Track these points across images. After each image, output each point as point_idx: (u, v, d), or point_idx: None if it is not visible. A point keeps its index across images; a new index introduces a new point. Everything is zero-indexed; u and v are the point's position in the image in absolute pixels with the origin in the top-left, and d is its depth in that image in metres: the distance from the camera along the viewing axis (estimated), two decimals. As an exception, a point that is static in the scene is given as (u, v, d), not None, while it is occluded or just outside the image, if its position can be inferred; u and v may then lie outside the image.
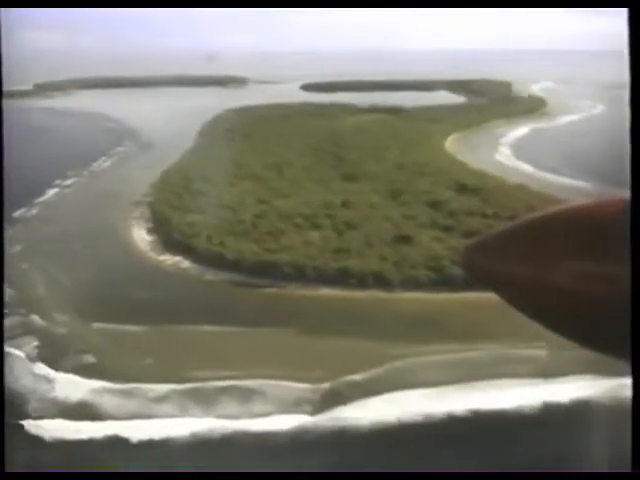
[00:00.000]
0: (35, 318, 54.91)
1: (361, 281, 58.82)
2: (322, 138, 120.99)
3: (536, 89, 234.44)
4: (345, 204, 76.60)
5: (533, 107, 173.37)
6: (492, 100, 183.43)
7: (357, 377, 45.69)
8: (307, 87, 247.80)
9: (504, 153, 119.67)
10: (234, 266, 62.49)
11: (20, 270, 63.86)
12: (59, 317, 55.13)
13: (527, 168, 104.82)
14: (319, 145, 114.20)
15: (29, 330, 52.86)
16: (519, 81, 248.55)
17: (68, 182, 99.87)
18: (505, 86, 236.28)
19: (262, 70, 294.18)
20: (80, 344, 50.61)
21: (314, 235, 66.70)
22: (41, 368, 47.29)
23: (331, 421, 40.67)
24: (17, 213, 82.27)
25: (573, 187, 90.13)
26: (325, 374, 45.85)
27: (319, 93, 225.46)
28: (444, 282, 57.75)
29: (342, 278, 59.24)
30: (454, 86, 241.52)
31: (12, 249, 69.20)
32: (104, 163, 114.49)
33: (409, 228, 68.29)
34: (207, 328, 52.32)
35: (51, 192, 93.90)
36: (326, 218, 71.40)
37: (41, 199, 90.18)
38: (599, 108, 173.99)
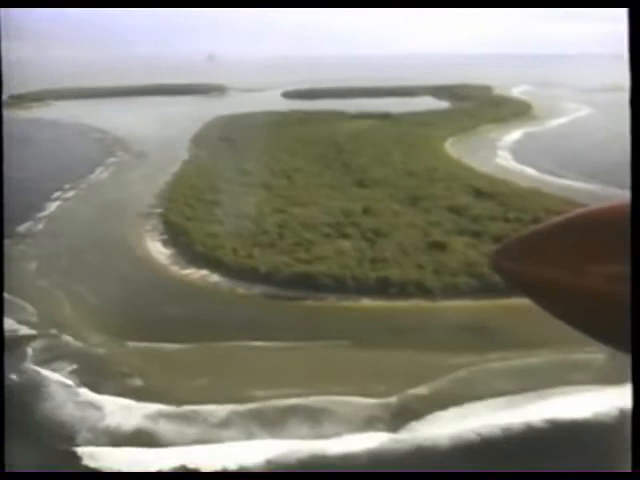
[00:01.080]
0: (68, 339, 51.88)
1: (402, 290, 57.29)
2: (322, 145, 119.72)
3: (516, 92, 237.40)
4: (366, 211, 75.13)
5: (520, 111, 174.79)
6: (479, 105, 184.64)
7: (423, 390, 44.07)
8: (288, 94, 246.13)
9: (504, 157, 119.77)
10: (266, 279, 60.33)
11: (40, 288, 60.92)
12: (93, 337, 52.16)
13: (531, 171, 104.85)
14: (321, 152, 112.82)
15: (64, 352, 49.85)
16: (499, 85, 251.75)
17: (69, 195, 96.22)
18: (486, 90, 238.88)
19: (241, 77, 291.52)
20: (122, 365, 47.84)
21: (345, 244, 64.95)
22: (85, 394, 44.38)
23: (409, 438, 38.90)
24: (22, 227, 78.99)
25: (581, 190, 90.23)
26: (389, 388, 44.09)
27: (301, 100, 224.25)
28: (485, 289, 56.54)
29: (382, 288, 57.63)
30: (436, 91, 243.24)
31: (28, 266, 66.07)
32: (101, 174, 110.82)
33: (438, 234, 67.11)
34: (255, 344, 50.11)
35: (53, 206, 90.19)
36: (352, 226, 69.78)
37: (44, 213, 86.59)
38: (584, 111, 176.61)
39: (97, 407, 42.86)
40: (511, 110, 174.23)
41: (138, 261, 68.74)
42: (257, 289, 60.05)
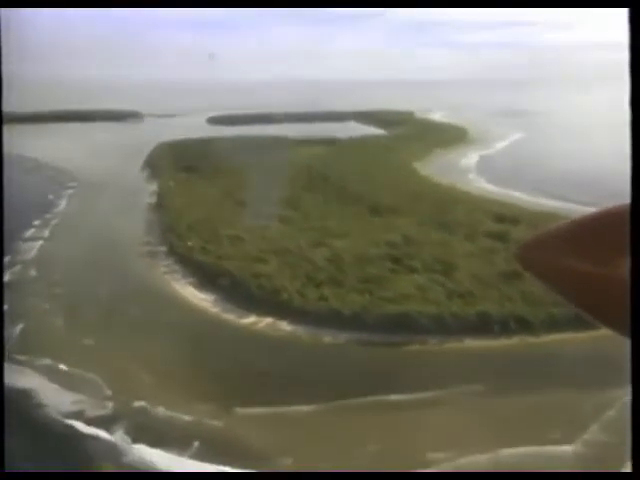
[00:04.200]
0: (164, 412, 43.00)
1: (504, 327, 53.93)
2: (297, 171, 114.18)
3: (436, 117, 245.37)
4: (407, 241, 71.31)
5: (459, 135, 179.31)
6: (416, 130, 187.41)
7: (598, 434, 40.78)
8: (213, 120, 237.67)
9: (477, 179, 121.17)
10: (352, 323, 54.49)
11: (91, 350, 51.07)
12: (191, 406, 43.64)
13: (518, 194, 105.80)
14: (304, 179, 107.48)
15: (168, 429, 41.07)
16: (416, 110, 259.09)
17: (45, 233, 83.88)
18: (407, 115, 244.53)
19: (151, 103, 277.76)
20: (252, 440, 40.12)
21: (420, 279, 60.60)
22: None
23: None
24: (10, 275, 67.00)
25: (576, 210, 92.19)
26: (564, 435, 40.41)
27: (226, 126, 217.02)
28: (580, 318, 54.54)
29: (482, 325, 53.94)
30: (358, 117, 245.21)
31: (56, 322, 55.58)
32: (68, 207, 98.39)
33: (502, 263, 64.66)
34: (392, 398, 44.41)
35: (33, 248, 77.73)
36: (408, 258, 65.60)
37: (27, 257, 74.25)
38: (517, 134, 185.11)
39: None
40: (450, 135, 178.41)
41: (182, 311, 60.00)
42: (345, 336, 53.99)
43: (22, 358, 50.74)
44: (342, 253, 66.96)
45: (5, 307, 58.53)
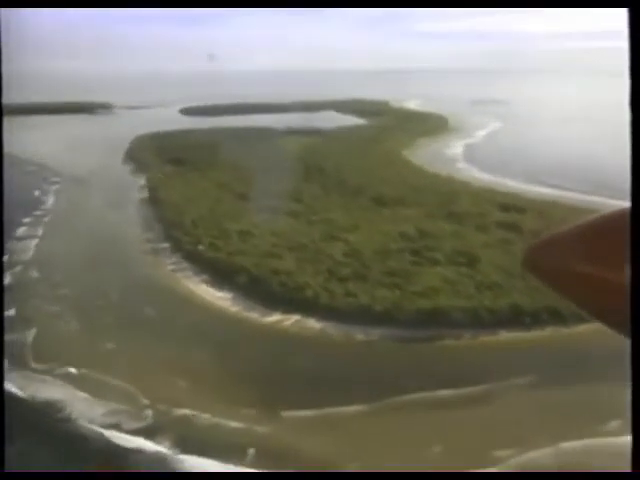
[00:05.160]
0: (205, 417, 40.84)
1: (535, 318, 53.25)
2: (290, 163, 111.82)
3: (413, 106, 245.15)
4: (422, 233, 70.17)
5: (440, 125, 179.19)
6: (398, 119, 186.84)
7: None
8: (187, 111, 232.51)
9: (468, 169, 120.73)
10: (384, 319, 53.04)
11: (105, 351, 48.44)
12: (234, 412, 41.56)
13: (513, 183, 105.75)
14: (299, 170, 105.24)
15: (215, 436, 38.96)
16: (390, 100, 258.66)
17: (38, 231, 79.94)
18: (383, 105, 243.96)
19: (120, 94, 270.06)
20: (307, 445, 38.35)
21: (445, 272, 59.48)
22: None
23: None
24: (11, 277, 63.57)
25: (575, 199, 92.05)
26: (621, 426, 39.81)
27: (202, 117, 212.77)
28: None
29: (514, 317, 53.17)
30: (336, 106, 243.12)
31: (69, 325, 52.69)
32: (57, 204, 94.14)
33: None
34: (441, 394, 43.30)
35: (29, 247, 73.92)
36: (428, 250, 64.47)
37: (25, 257, 70.52)
38: (495, 123, 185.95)
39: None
40: (432, 124, 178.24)
41: (200, 310, 57.58)
42: (377, 332, 52.50)
43: (41, 366, 47.87)
44: (359, 247, 65.36)
45: (12, 311, 55.62)
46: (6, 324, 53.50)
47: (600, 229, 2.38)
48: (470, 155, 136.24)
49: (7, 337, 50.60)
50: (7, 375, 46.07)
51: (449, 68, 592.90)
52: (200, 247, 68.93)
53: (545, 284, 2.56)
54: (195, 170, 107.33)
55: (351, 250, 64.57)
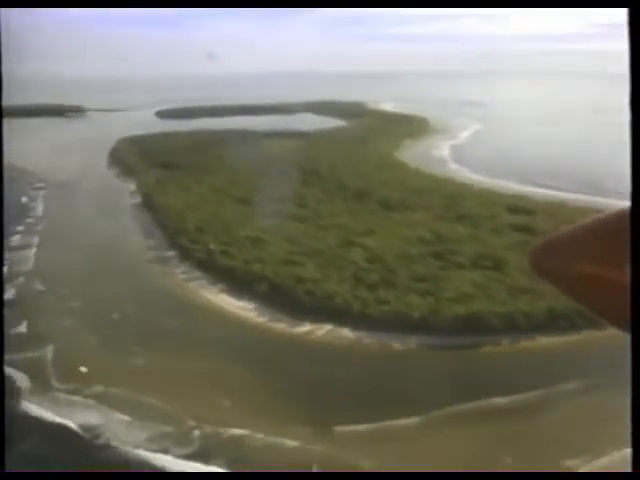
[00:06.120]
0: (258, 437, 38.56)
1: (570, 322, 52.58)
2: (285, 165, 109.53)
3: (389, 108, 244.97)
4: (439, 237, 69.06)
5: (422, 126, 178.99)
6: (379, 121, 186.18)
7: None
8: (162, 114, 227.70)
9: (460, 170, 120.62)
10: (419, 326, 51.63)
11: (133, 368, 45.68)
12: (286, 430, 39.45)
13: (511, 185, 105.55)
14: (294, 173, 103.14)
15: (258, 455, 36.72)
16: (366, 101, 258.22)
17: (33, 239, 76.06)
18: (359, 106, 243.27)
19: (91, 97, 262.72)
20: (374, 460, 36.52)
21: (473, 276, 58.41)
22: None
23: None
24: (15, 289, 60.11)
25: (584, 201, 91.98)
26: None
27: (178, 120, 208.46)
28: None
29: (549, 321, 52.42)
30: (310, 108, 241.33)
31: (87, 340, 49.54)
32: (47, 211, 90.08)
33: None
34: (497, 401, 42.21)
35: (26, 257, 70.05)
36: (450, 254, 63.39)
37: (25, 268, 66.77)
38: (476, 124, 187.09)
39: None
40: (415, 126, 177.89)
41: (224, 322, 55.14)
42: (414, 340, 51.04)
43: (66, 386, 44.84)
44: (380, 252, 63.83)
45: (23, 327, 52.48)
46: (19, 341, 50.31)
47: (606, 228, 2.33)
48: (458, 156, 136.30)
49: (22, 355, 47.67)
50: (30, 397, 43.23)
51: (419, 71, 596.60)
52: (211, 247, 66.75)
53: (552, 284, 2.54)
54: (187, 174, 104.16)
55: (373, 255, 62.99)
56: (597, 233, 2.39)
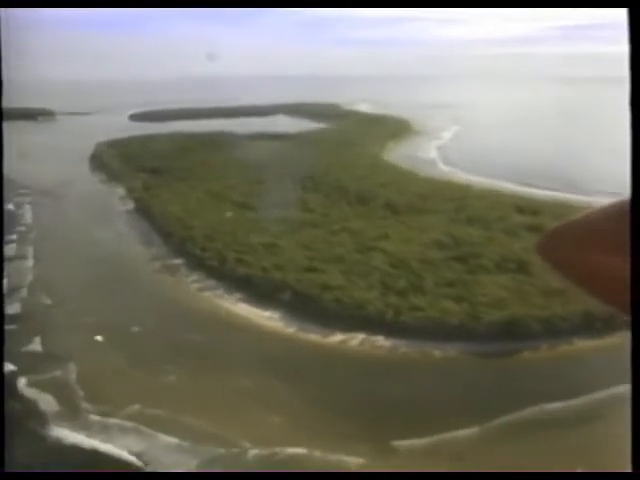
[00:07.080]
0: (316, 455, 36.42)
1: (606, 324, 52.00)
2: (278, 168, 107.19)
3: (364, 109, 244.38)
4: (457, 241, 67.87)
5: (404, 127, 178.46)
6: (361, 122, 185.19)
7: None
8: (135, 117, 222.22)
9: (452, 171, 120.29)
10: (458, 333, 50.26)
11: (167, 386, 42.94)
12: (348, 448, 37.42)
13: (509, 185, 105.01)
14: (290, 177, 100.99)
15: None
16: (340, 103, 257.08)
17: (28, 250, 71.97)
18: (334, 108, 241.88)
19: (62, 101, 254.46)
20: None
21: (503, 280, 57.34)
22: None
23: None
24: (22, 304, 56.51)
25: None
26: None
27: (151, 123, 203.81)
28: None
29: (585, 324, 51.74)
30: (284, 110, 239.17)
31: (110, 358, 46.52)
32: (37, 219, 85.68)
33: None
34: (550, 407, 41.11)
35: (24, 267, 66.20)
36: (475, 258, 62.31)
37: (26, 280, 63.11)
38: (456, 126, 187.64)
39: None
40: (396, 127, 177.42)
41: (253, 334, 52.69)
42: (453, 347, 49.61)
43: (98, 408, 41.76)
44: (401, 256, 62.29)
45: (37, 345, 49.22)
46: (35, 360, 47.10)
47: (610, 217, 2.34)
48: (445, 157, 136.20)
49: (42, 376, 44.67)
50: (60, 422, 40.01)
51: (383, 74, 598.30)
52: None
53: (560, 273, 2.52)
54: (175, 179, 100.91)
55: (396, 260, 61.39)
56: (600, 222, 2.37)
